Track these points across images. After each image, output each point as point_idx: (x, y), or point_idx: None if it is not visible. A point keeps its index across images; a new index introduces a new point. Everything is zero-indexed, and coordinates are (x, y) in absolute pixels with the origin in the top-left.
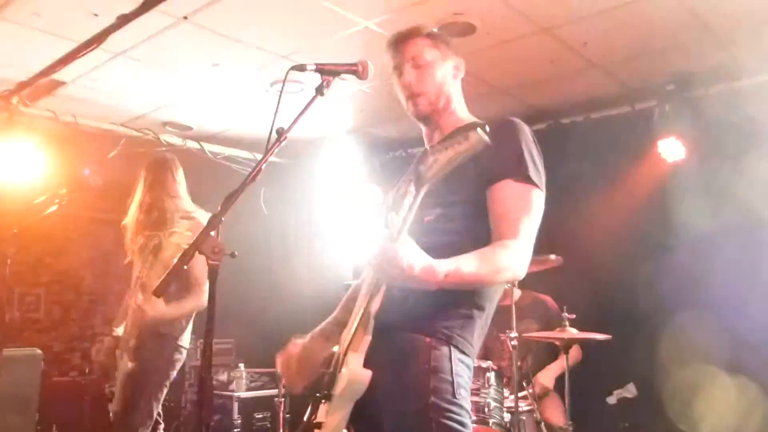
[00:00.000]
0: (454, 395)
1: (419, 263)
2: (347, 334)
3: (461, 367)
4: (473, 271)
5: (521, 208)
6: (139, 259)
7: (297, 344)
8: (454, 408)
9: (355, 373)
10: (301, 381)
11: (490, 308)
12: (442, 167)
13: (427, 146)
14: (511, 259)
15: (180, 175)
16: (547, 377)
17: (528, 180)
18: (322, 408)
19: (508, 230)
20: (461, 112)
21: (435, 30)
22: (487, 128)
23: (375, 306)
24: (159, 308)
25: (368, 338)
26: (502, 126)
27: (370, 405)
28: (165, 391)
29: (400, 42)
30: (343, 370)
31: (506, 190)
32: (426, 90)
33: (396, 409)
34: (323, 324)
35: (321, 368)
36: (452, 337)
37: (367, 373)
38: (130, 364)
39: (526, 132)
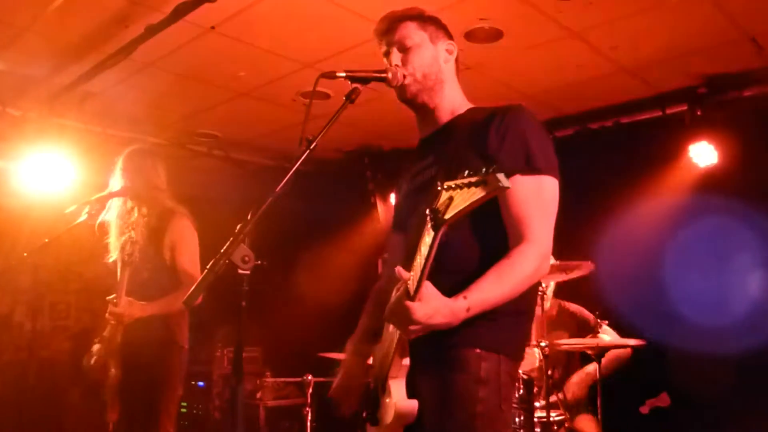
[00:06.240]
0: (500, 407)
1: (437, 317)
2: (383, 351)
3: (508, 378)
4: (496, 294)
5: (535, 205)
6: (121, 258)
7: (339, 372)
8: (500, 420)
9: (402, 406)
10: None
11: (532, 309)
12: (461, 210)
13: (422, 138)
14: (532, 265)
15: (162, 167)
16: (579, 380)
17: (537, 170)
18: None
19: (525, 231)
20: (456, 97)
21: (425, 14)
22: (500, 175)
23: None
24: (134, 308)
25: (406, 362)
26: (504, 116)
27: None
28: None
29: (388, 27)
30: (388, 400)
31: (517, 188)
32: (411, 71)
33: (442, 419)
34: (354, 340)
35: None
36: (501, 346)
37: (414, 404)
38: (113, 371)
39: (529, 117)
